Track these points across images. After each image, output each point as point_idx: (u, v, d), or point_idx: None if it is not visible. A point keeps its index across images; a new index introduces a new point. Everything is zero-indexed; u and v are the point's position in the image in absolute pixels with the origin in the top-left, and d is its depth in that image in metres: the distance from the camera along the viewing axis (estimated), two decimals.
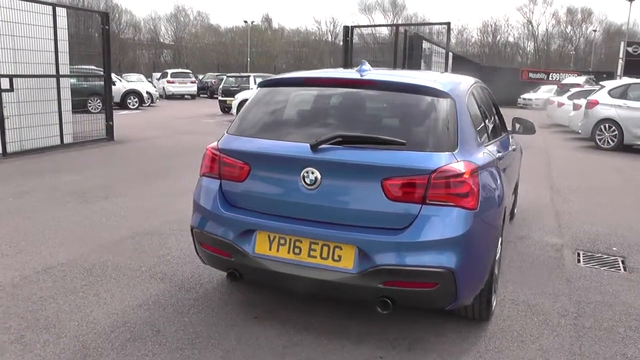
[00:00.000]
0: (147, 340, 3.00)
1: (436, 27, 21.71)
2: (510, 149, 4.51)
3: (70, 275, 3.92)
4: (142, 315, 3.32)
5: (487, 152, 3.34)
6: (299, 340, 3.06)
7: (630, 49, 31.69)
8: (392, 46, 16.42)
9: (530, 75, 47.26)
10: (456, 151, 2.89)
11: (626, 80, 14.34)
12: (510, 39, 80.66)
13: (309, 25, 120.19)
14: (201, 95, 31.85)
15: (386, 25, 15.00)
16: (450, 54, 19.57)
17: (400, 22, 66.72)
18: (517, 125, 4.97)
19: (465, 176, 2.80)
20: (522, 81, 40.52)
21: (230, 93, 18.63)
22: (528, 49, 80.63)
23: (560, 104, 17.27)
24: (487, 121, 3.90)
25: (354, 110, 3.20)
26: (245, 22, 65.21)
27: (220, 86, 19.94)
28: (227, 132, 3.34)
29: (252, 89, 18.48)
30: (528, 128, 4.99)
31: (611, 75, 37.78)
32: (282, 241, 2.91)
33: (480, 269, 3.03)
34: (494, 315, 3.51)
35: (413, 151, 2.84)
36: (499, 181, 3.40)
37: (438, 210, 2.77)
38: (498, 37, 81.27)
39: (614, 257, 4.87)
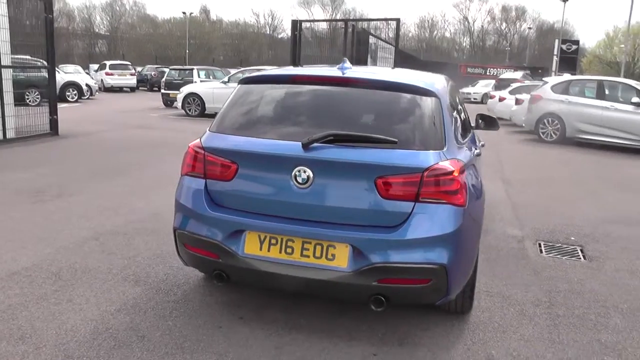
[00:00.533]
0: (133, 347, 2.89)
1: (375, 22, 21.89)
2: (479, 144, 4.62)
3: (38, 280, 3.72)
4: (123, 320, 3.19)
5: (466, 149, 3.41)
6: (290, 340, 3.03)
7: (564, 47, 33.27)
8: (337, 41, 16.52)
9: (469, 70, 48.81)
10: (444, 149, 2.94)
11: (568, 76, 15.05)
12: (447, 35, 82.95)
13: (247, 18, 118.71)
14: (140, 88, 30.91)
15: (336, 20, 15.03)
16: (392, 49, 19.93)
17: (339, 16, 67.15)
18: (480, 121, 5.09)
19: (455, 174, 2.85)
20: (460, 76, 41.64)
21: (174, 86, 18.26)
22: (464, 44, 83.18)
23: (502, 99, 17.88)
24: (461, 118, 3.97)
25: (342, 109, 3.17)
26: (184, 13, 63.81)
27: (163, 79, 19.46)
28: (209, 130, 3.25)
29: (196, 82, 18.13)
30: (491, 124, 5.11)
31: (546, 71, 39.55)
32: (273, 241, 2.86)
33: (468, 264, 3.09)
34: (473, 307, 3.59)
35: (405, 150, 2.86)
36: (478, 177, 3.48)
37: (430, 207, 2.81)
38: (435, 33, 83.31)
39: (572, 247, 5.09)
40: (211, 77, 19.54)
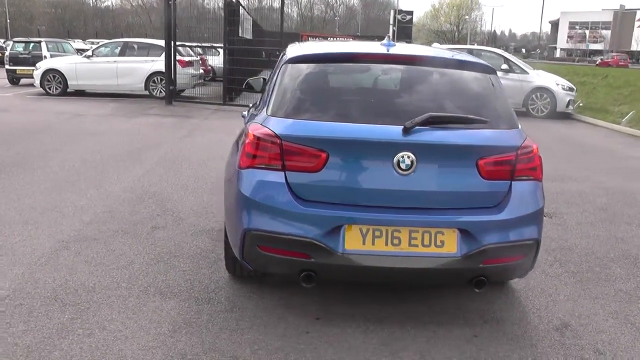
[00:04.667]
0: None
1: None
2: None
3: (37, 308, 3.01)
4: (191, 342, 2.73)
5: None
6: (390, 334, 2.87)
7: (399, 17, 35.38)
8: (209, 13, 15.77)
9: (310, 39, 49.85)
10: (519, 127, 2.97)
11: (437, 45, 15.98)
12: (276, 5, 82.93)
13: None
14: None
15: None
16: (251, 20, 19.61)
17: None
18: None
19: (536, 150, 2.90)
20: None
21: (20, 61, 15.96)
22: (293, 14, 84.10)
23: None
24: None
25: (417, 89, 3.01)
26: None
27: (7, 53, 16.76)
28: (271, 115, 2.86)
29: (45, 56, 15.99)
30: None
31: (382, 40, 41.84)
32: (377, 233, 2.65)
33: None
34: None
35: (495, 129, 2.83)
36: None
37: (524, 184, 2.83)
38: (264, 3, 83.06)
39: None
40: (60, 50, 17.33)
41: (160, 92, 13.28)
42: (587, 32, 73.75)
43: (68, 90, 13.68)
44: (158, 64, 13.06)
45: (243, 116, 3.76)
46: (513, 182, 2.80)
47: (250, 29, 19.24)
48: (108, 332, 2.82)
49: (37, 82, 13.57)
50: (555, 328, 3.07)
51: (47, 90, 13.52)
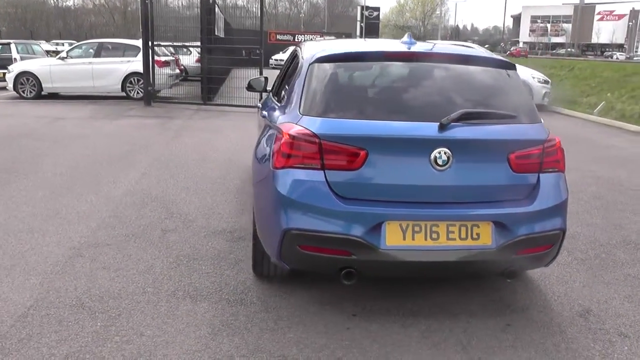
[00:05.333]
0: None
1: None
2: None
3: (67, 318, 2.95)
4: (234, 343, 2.73)
5: None
6: (427, 326, 2.92)
7: (366, 13, 35.64)
8: (174, 12, 15.58)
9: (278, 37, 49.56)
10: (542, 121, 3.07)
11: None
12: (240, 3, 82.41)
13: None
14: None
15: None
16: (223, 18, 19.47)
17: None
18: None
19: (559, 143, 3.00)
20: (270, 43, 42.24)
21: None
22: (257, 12, 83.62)
23: None
24: None
25: (445, 85, 3.06)
26: None
27: None
28: (303, 114, 2.86)
29: (15, 58, 15.50)
30: None
31: (349, 37, 42.09)
32: (416, 228, 2.70)
33: None
34: None
35: (523, 124, 2.92)
36: None
37: (550, 177, 2.93)
38: (228, 0, 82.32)
39: None
40: (30, 52, 16.81)
41: (138, 93, 13.06)
42: (548, 25, 75.86)
43: (42, 93, 13.30)
44: (134, 64, 12.85)
45: (264, 116, 3.76)
46: (541, 175, 2.89)
47: (223, 27, 19.14)
48: (147, 337, 2.79)
49: (10, 85, 13.12)
50: (579, 314, 3.18)
51: (21, 93, 13.11)
